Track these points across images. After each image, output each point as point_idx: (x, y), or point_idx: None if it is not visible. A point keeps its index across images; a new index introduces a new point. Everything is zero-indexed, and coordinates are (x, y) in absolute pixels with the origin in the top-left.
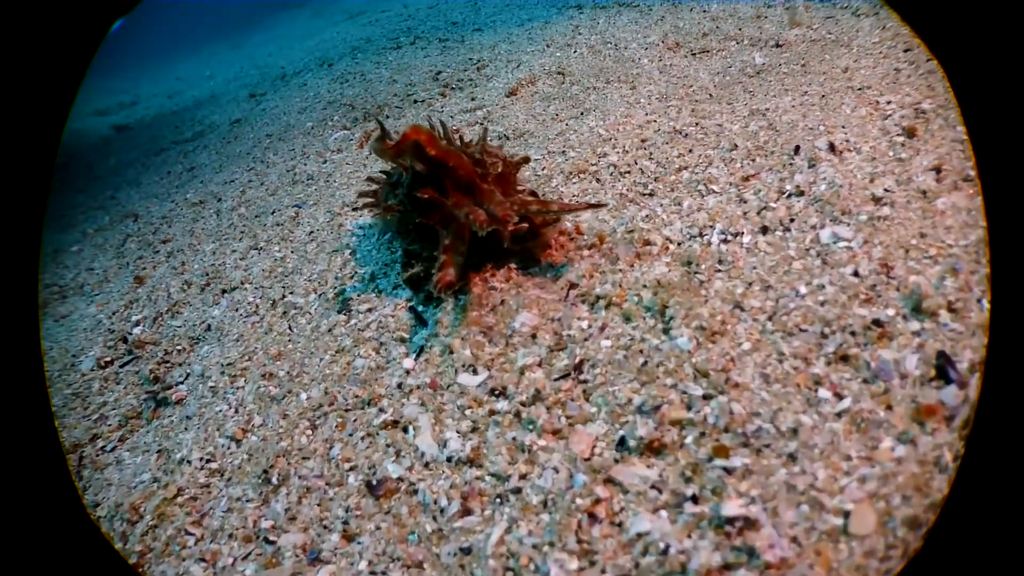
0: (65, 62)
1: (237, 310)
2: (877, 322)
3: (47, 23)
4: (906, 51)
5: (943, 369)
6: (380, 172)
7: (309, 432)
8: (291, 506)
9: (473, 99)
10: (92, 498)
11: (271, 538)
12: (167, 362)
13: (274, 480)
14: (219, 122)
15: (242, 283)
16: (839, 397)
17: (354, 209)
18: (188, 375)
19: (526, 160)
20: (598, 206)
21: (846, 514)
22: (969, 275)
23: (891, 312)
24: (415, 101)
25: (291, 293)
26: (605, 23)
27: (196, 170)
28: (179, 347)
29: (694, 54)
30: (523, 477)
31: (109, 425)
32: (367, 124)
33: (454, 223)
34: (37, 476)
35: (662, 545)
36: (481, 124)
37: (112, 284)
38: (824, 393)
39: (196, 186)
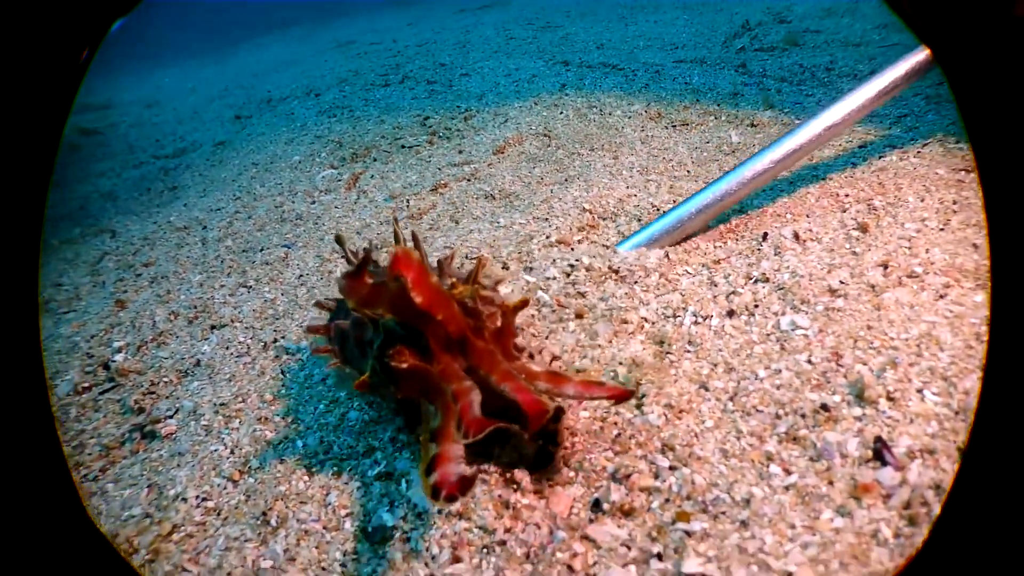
0: (64, 63)
1: (228, 348)
2: (824, 407)
3: (46, 23)
4: (861, 147)
5: (879, 452)
6: (329, 299)
7: (306, 478)
8: (290, 547)
9: (461, 152)
10: None
11: None
12: (153, 393)
13: (273, 522)
14: (202, 141)
15: (232, 321)
16: (787, 472)
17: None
18: (177, 410)
19: (524, 304)
20: (627, 395)
21: (789, 575)
22: (908, 367)
23: (837, 398)
24: (403, 146)
25: (283, 338)
26: (591, 85)
27: (179, 191)
28: (166, 379)
29: (674, 126)
30: (508, 531)
31: (89, 454)
32: (355, 165)
33: (443, 397)
34: (37, 478)
35: None
36: (452, 252)
37: (85, 303)
38: (775, 468)
39: (179, 209)
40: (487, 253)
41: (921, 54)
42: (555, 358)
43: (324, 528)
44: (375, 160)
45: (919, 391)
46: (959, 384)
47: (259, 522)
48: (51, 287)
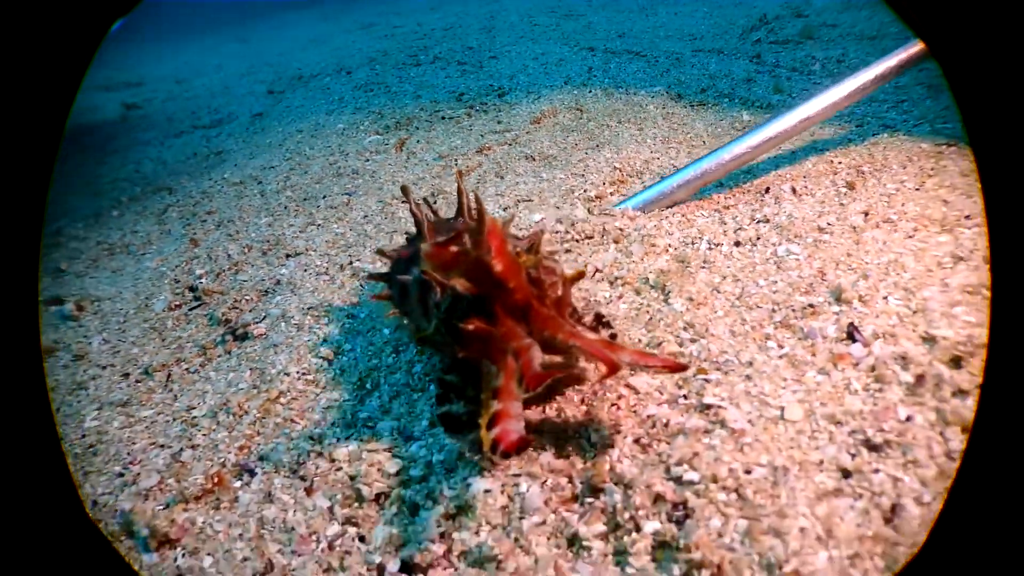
0: (64, 63)
1: (306, 270)
2: (811, 305)
3: (47, 23)
4: (858, 127)
5: (851, 334)
6: (393, 249)
7: (394, 356)
8: (384, 404)
9: (499, 122)
10: (186, 403)
11: (369, 425)
12: (237, 308)
13: (367, 386)
14: (238, 113)
15: (306, 250)
16: (780, 347)
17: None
18: (265, 316)
19: (581, 275)
20: (681, 368)
21: (782, 408)
22: (878, 281)
23: (820, 299)
24: (443, 118)
25: (358, 260)
26: (616, 68)
27: (224, 155)
28: (247, 297)
29: (692, 105)
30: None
31: (189, 352)
32: (400, 132)
33: (505, 357)
34: (36, 473)
35: (665, 421)
36: (492, 199)
37: (157, 246)
38: (771, 344)
39: (230, 168)
40: (535, 200)
41: (892, 59)
42: (597, 270)
43: (412, 390)
44: (417, 128)
45: (884, 298)
46: (917, 294)
47: (355, 387)
48: (129, 234)
